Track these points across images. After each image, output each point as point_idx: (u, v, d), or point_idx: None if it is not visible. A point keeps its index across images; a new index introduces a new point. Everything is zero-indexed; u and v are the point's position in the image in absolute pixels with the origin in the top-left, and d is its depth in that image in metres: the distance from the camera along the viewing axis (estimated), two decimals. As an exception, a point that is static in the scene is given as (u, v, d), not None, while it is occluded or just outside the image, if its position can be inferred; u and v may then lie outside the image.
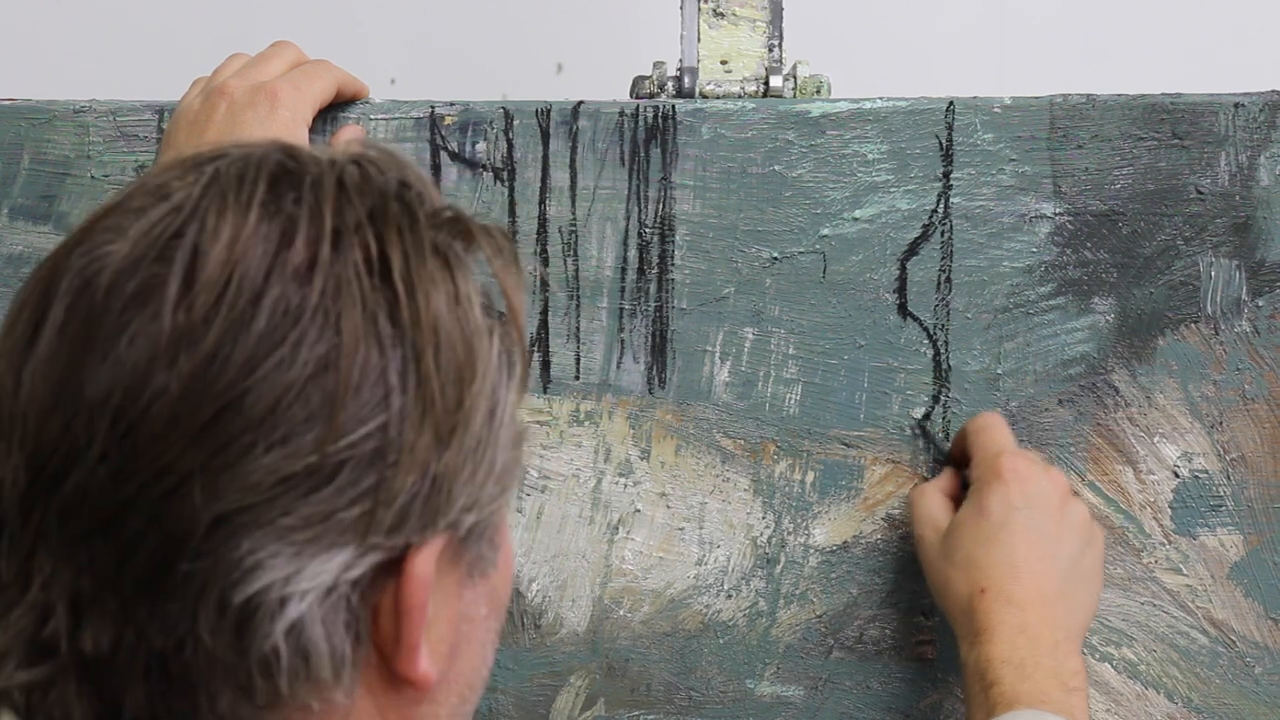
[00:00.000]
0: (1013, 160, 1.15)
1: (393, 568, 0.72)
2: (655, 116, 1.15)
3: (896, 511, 1.16)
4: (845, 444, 1.16)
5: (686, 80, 1.17)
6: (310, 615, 0.70)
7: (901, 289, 1.16)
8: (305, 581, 0.69)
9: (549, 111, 1.15)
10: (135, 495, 0.69)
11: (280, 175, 0.73)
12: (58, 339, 0.71)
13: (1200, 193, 1.15)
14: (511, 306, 0.76)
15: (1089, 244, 1.16)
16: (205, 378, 0.68)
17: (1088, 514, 1.09)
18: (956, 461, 1.15)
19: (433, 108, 1.15)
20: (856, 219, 1.15)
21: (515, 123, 1.15)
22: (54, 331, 0.71)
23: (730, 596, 1.17)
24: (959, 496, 1.12)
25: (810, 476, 1.17)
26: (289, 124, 1.08)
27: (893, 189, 1.15)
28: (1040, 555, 1.06)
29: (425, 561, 0.72)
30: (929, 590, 1.11)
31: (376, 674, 0.73)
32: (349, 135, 1.13)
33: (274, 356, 0.69)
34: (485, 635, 0.79)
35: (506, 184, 1.15)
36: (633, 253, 1.15)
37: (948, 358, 1.16)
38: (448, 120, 1.15)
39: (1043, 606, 1.04)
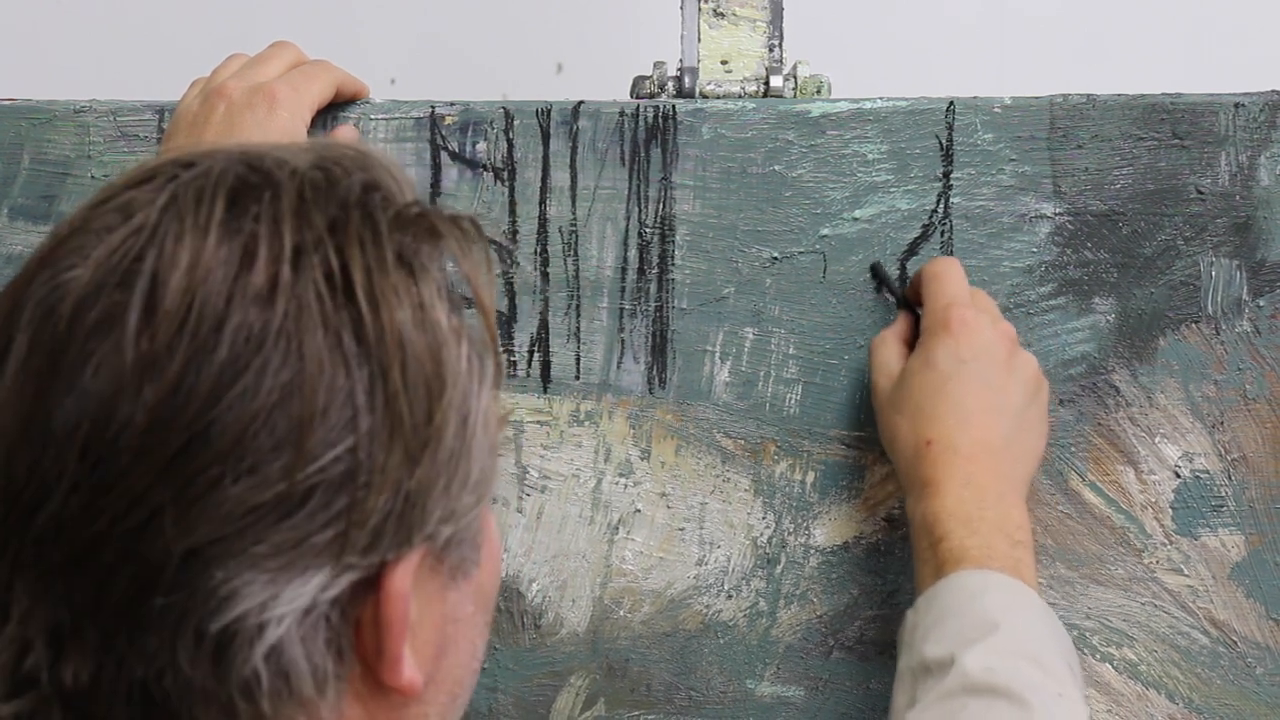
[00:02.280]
0: (1013, 160, 1.15)
1: (371, 583, 0.71)
2: (655, 116, 1.15)
3: (897, 512, 1.16)
4: (845, 444, 1.16)
5: (686, 80, 1.17)
6: (289, 637, 0.70)
7: (902, 289, 1.16)
8: (282, 606, 0.69)
9: (549, 111, 1.15)
10: (107, 528, 0.68)
11: (239, 191, 0.72)
12: (22, 370, 0.70)
13: (1200, 193, 1.15)
14: (481, 304, 0.75)
15: (1089, 244, 1.16)
16: (170, 409, 0.68)
17: (1036, 366, 1.09)
18: (913, 305, 1.14)
19: (433, 108, 1.15)
20: (856, 219, 1.15)
21: (515, 123, 1.15)
22: (18, 363, 0.70)
23: (730, 597, 1.17)
24: (913, 341, 1.12)
25: (811, 476, 1.16)
26: (287, 125, 1.08)
27: (893, 189, 1.15)
28: (987, 407, 1.06)
29: (402, 576, 0.72)
30: (880, 439, 1.11)
31: (362, 683, 0.73)
32: (343, 136, 1.13)
33: (238, 385, 0.68)
34: (472, 632, 0.79)
35: (506, 184, 1.15)
36: (633, 253, 1.15)
37: (948, 358, 1.16)
38: (448, 120, 1.15)
39: (988, 457, 1.05)
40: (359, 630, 0.72)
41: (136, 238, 0.71)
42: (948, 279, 1.10)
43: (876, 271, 1.15)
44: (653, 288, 1.16)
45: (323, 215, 0.72)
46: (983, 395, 1.06)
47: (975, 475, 1.04)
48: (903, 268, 1.16)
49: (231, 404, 0.68)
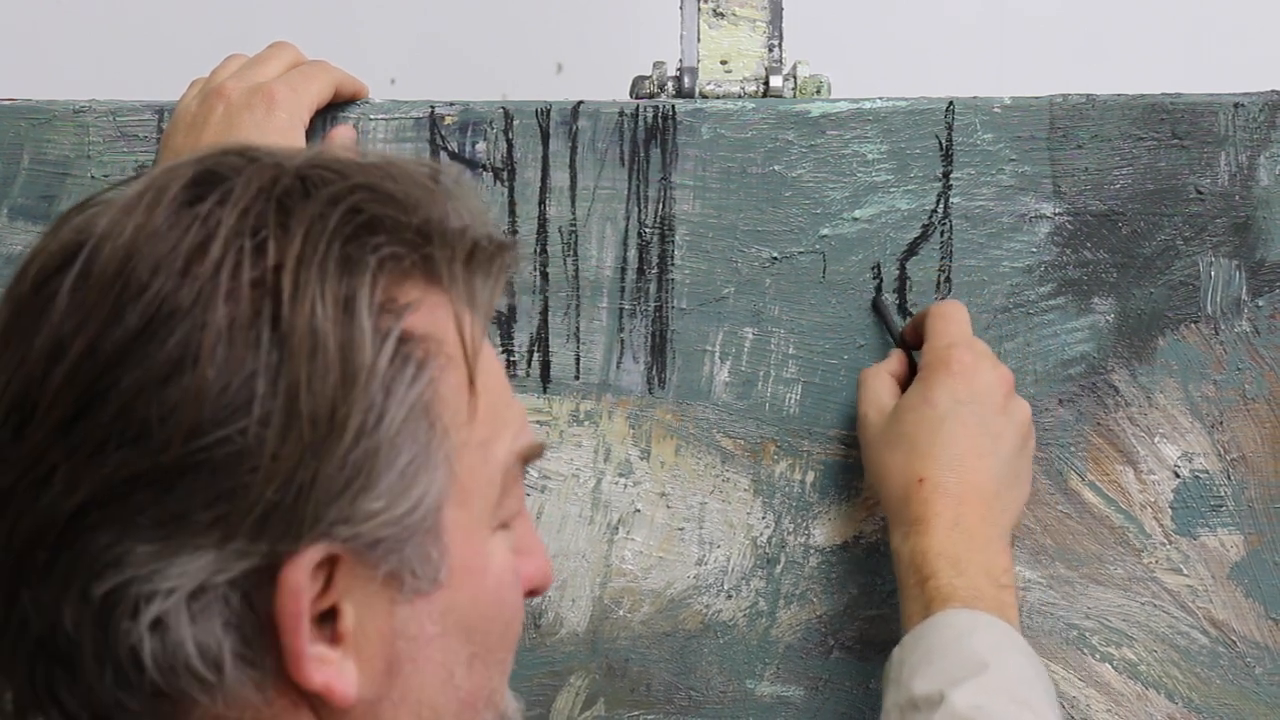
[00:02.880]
0: (1012, 160, 1.15)
1: (273, 574, 0.72)
2: (655, 116, 1.15)
3: (896, 511, 1.16)
4: (845, 444, 1.16)
5: (686, 80, 1.17)
6: (175, 612, 0.71)
7: (901, 289, 1.16)
8: (171, 580, 0.70)
9: (549, 111, 1.15)
10: (14, 483, 0.71)
11: (202, 178, 0.74)
12: (1, 335, 0.74)
13: (1200, 193, 1.15)
14: (459, 325, 0.75)
15: (1089, 244, 1.16)
16: (80, 370, 0.70)
17: (1028, 413, 1.09)
18: (908, 345, 1.14)
19: (433, 108, 1.15)
20: (856, 219, 1.15)
21: (515, 123, 1.15)
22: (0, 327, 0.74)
23: (730, 596, 1.17)
24: (906, 380, 1.12)
25: (810, 476, 1.16)
26: (286, 125, 1.08)
27: (892, 189, 1.15)
28: (981, 451, 1.06)
29: (297, 571, 0.71)
30: (866, 471, 1.11)
31: (290, 685, 0.74)
32: (341, 137, 1.13)
33: (139, 353, 0.70)
34: (444, 656, 0.77)
35: (506, 184, 1.15)
36: (633, 253, 1.15)
37: (948, 358, 1.16)
38: (448, 120, 1.15)
39: (978, 501, 1.05)
40: (273, 623, 0.72)
41: (105, 212, 0.73)
42: (953, 320, 1.11)
43: (878, 307, 1.15)
44: (652, 288, 1.16)
45: (275, 206, 0.73)
46: (977, 438, 1.06)
47: (964, 517, 1.04)
48: (902, 268, 1.16)
49: (129, 369, 0.70)
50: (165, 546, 0.70)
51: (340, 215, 0.73)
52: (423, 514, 0.74)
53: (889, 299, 1.15)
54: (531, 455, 0.80)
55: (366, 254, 0.73)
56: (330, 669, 0.73)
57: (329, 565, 0.73)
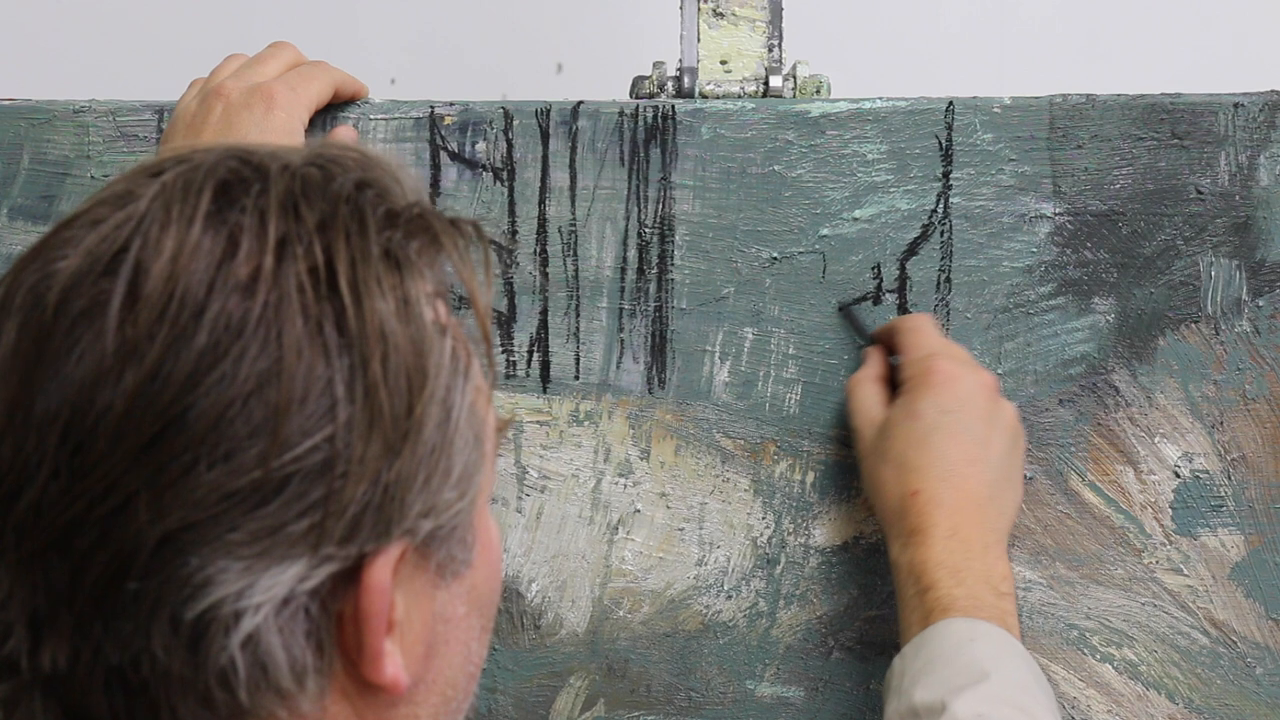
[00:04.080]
0: (1012, 160, 1.15)
1: (351, 576, 0.71)
2: (655, 116, 1.15)
3: (896, 512, 1.16)
4: (845, 444, 1.16)
5: (686, 80, 1.17)
6: (266, 627, 0.70)
7: (901, 289, 1.16)
8: (259, 595, 0.69)
9: (549, 111, 1.15)
10: (84, 513, 0.69)
11: (228, 184, 0.73)
12: (11, 358, 0.71)
13: (1200, 193, 1.15)
14: (475, 306, 0.76)
15: (1089, 244, 1.16)
16: (148, 395, 0.69)
17: (1015, 415, 1.10)
18: (881, 342, 1.14)
19: (433, 108, 1.15)
20: (856, 219, 1.15)
21: (515, 123, 1.15)
22: (7, 350, 0.71)
23: (730, 597, 1.17)
24: (890, 380, 1.12)
25: (810, 477, 1.16)
26: (285, 125, 1.08)
27: (892, 189, 1.15)
28: (971, 458, 1.06)
29: (382, 569, 0.71)
30: (863, 484, 1.12)
31: (347, 679, 0.73)
32: (341, 137, 1.13)
33: (215, 372, 0.69)
34: (466, 634, 0.78)
35: (506, 184, 1.15)
36: (632, 253, 1.15)
37: (948, 358, 1.16)
38: (448, 120, 1.15)
39: (973, 509, 1.05)
40: (340, 625, 0.72)
41: (124, 228, 0.71)
42: (924, 332, 1.12)
43: (846, 314, 1.15)
44: (652, 288, 1.16)
45: (311, 209, 0.72)
46: (966, 446, 1.07)
47: (960, 527, 1.05)
48: (902, 268, 1.16)
49: (208, 390, 0.69)
50: (258, 562, 0.69)
51: (368, 209, 0.73)
52: (470, 499, 0.75)
53: (859, 307, 1.15)
54: (505, 426, 0.81)
55: (406, 247, 0.73)
56: (393, 660, 0.73)
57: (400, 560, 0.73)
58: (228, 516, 0.69)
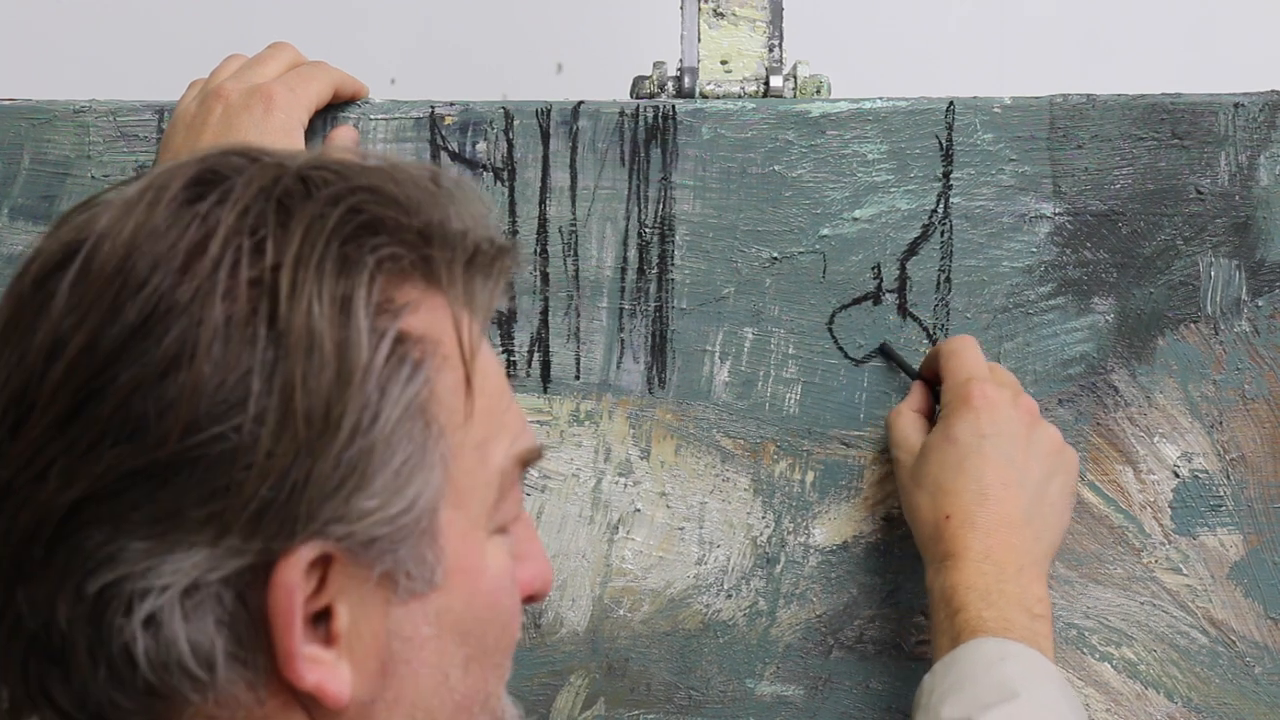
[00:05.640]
0: (1013, 160, 1.15)
1: (266, 572, 0.72)
2: (655, 116, 1.15)
3: (897, 511, 1.16)
4: (845, 444, 1.16)
5: (686, 80, 1.17)
6: (169, 609, 0.71)
7: (901, 289, 1.16)
8: (165, 577, 0.70)
9: (549, 111, 1.15)
10: (10, 479, 0.71)
11: (204, 177, 0.74)
12: (3, 329, 0.74)
13: (1200, 193, 1.15)
14: (457, 329, 0.75)
15: (1089, 244, 1.16)
16: (78, 366, 0.71)
17: (1058, 439, 1.09)
18: (927, 379, 1.14)
19: (433, 108, 1.15)
20: (856, 219, 1.16)
21: (515, 123, 1.15)
22: (3, 321, 0.74)
23: (730, 596, 1.17)
24: (932, 412, 1.12)
25: (810, 476, 1.17)
26: (284, 126, 1.08)
27: (893, 189, 1.15)
28: (1007, 482, 1.06)
29: (290, 569, 0.71)
30: (902, 511, 1.12)
31: (284, 685, 0.73)
32: (342, 137, 1.13)
33: (136, 349, 0.70)
34: (439, 659, 0.77)
35: (506, 184, 1.15)
36: (633, 253, 1.15)
37: (948, 358, 1.16)
38: (448, 120, 1.15)
39: (1008, 533, 1.05)
40: (266, 622, 0.72)
41: (106, 211, 0.74)
42: (965, 355, 1.11)
43: (886, 351, 1.15)
44: (652, 288, 1.16)
45: (275, 206, 0.73)
46: (1002, 470, 1.06)
47: (994, 550, 1.04)
48: (902, 268, 1.16)
49: (127, 365, 0.70)
50: (159, 543, 0.70)
51: (340, 215, 0.73)
52: (417, 514, 0.74)
53: (893, 320, 1.15)
54: (530, 459, 0.80)
55: (365, 254, 0.73)
56: (324, 669, 0.73)
57: (323, 565, 0.73)
58: (129, 494, 0.70)
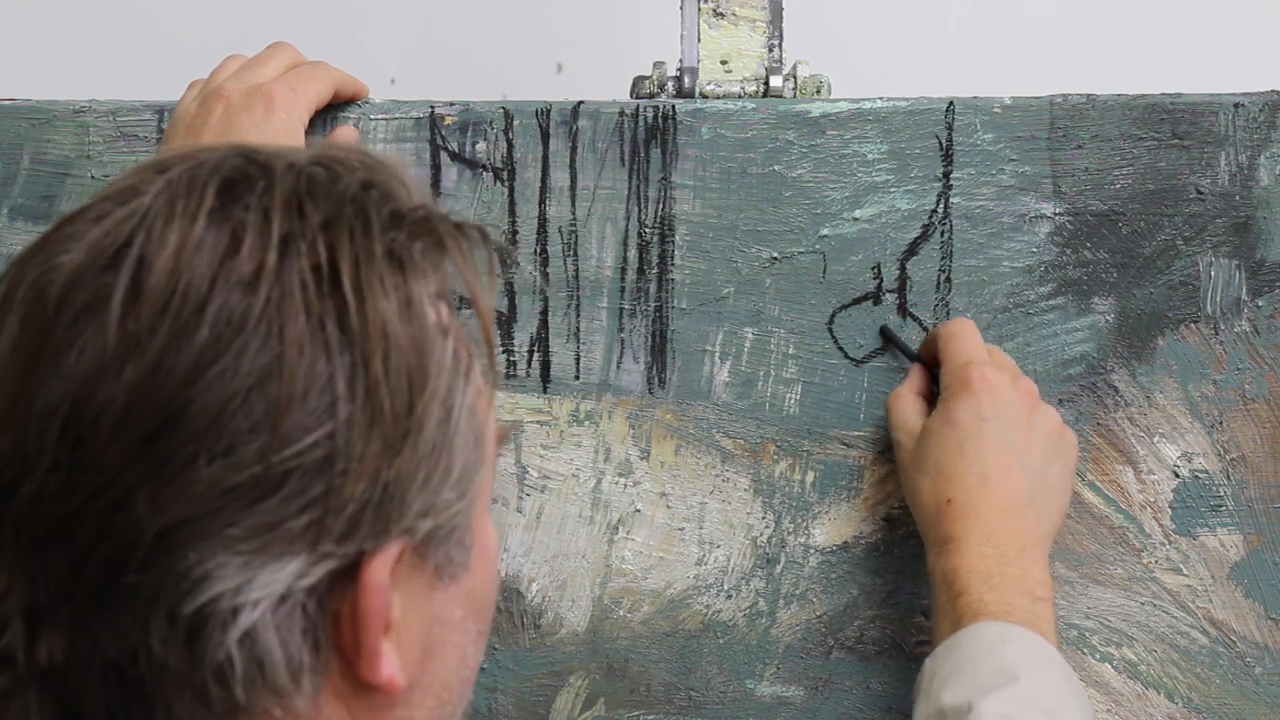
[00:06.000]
0: (1013, 160, 1.15)
1: (349, 574, 0.71)
2: (655, 116, 1.15)
3: (897, 511, 1.16)
4: (845, 444, 1.16)
5: (686, 80, 1.17)
6: (263, 623, 0.70)
7: (901, 289, 1.16)
8: (257, 591, 0.69)
9: (549, 111, 1.15)
10: (83, 506, 0.69)
11: (233, 181, 0.73)
12: (12, 352, 0.71)
13: (1200, 193, 1.15)
14: (478, 308, 0.76)
15: (1089, 244, 1.16)
16: (149, 389, 0.69)
17: (1057, 421, 1.10)
18: (926, 361, 1.14)
19: (433, 108, 1.15)
20: (856, 219, 1.16)
21: (515, 123, 1.15)
22: (9, 344, 0.71)
23: (730, 596, 1.17)
24: (932, 395, 1.12)
25: (810, 476, 1.17)
26: (284, 126, 1.08)
27: (893, 189, 1.15)
28: (1008, 465, 1.06)
29: (380, 568, 0.71)
30: (904, 495, 1.12)
31: (342, 679, 0.73)
32: (342, 137, 1.13)
33: (217, 366, 0.69)
34: (463, 638, 0.78)
35: (506, 184, 1.15)
36: (633, 253, 1.15)
37: (948, 358, 1.16)
38: (448, 120, 1.15)
39: (1010, 516, 1.05)
40: (337, 624, 0.72)
41: (127, 223, 0.72)
42: (964, 338, 1.11)
43: (886, 333, 1.15)
44: (652, 288, 1.16)
45: (315, 208, 0.72)
46: (1003, 454, 1.06)
47: (996, 533, 1.04)
48: (902, 268, 1.16)
49: (209, 385, 0.69)
50: (256, 557, 0.69)
51: (373, 209, 0.73)
52: (469, 501, 0.75)
53: (893, 320, 1.15)
54: (506, 434, 0.81)
55: (410, 248, 0.73)
56: (389, 661, 0.73)
57: (396, 560, 0.73)
58: (227, 511, 0.69)
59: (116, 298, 0.70)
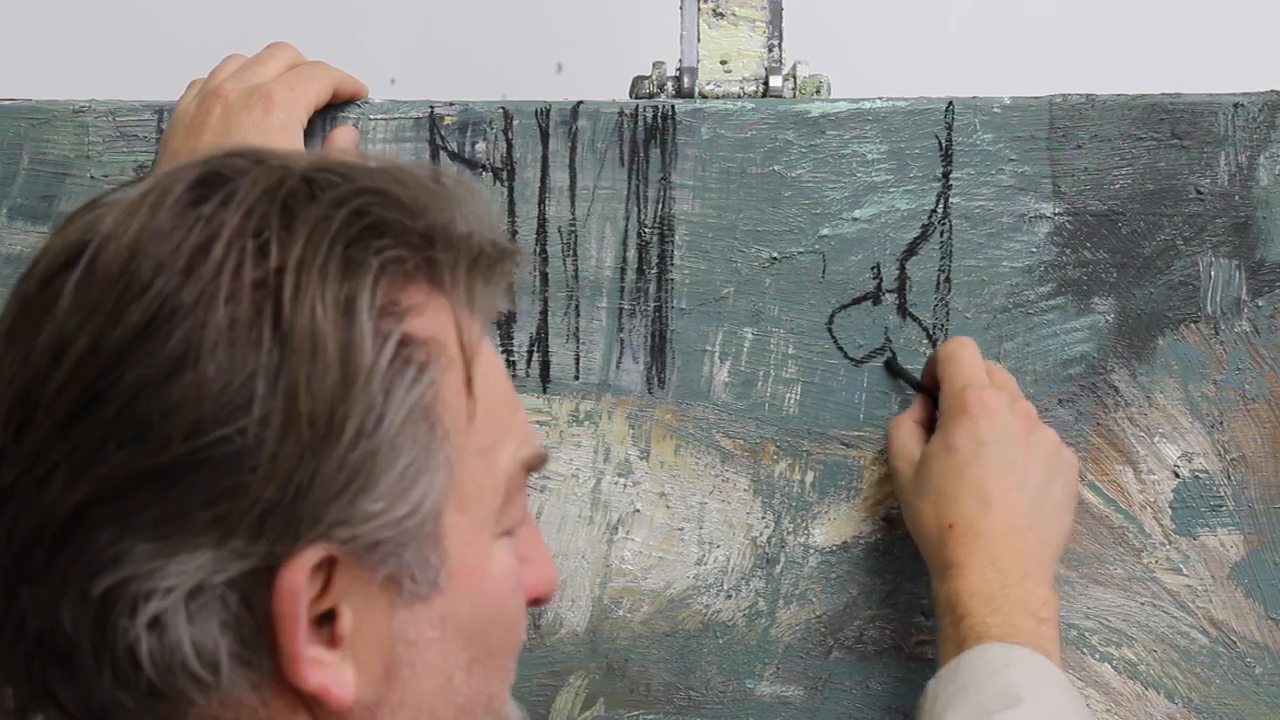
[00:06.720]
0: (1012, 160, 1.15)
1: (271, 575, 0.72)
2: (655, 116, 1.15)
3: (896, 511, 1.16)
4: (845, 444, 1.16)
5: (686, 80, 1.17)
6: (174, 611, 0.71)
7: (901, 289, 1.16)
8: (170, 579, 0.71)
9: (549, 111, 1.15)
10: (15, 480, 0.71)
11: (205, 180, 0.74)
12: (6, 335, 0.74)
13: (1200, 193, 1.15)
14: (460, 337, 0.76)
15: (1088, 244, 1.16)
16: (82, 369, 0.71)
17: (1056, 442, 1.09)
18: (930, 390, 1.14)
19: (432, 108, 1.15)
20: (856, 219, 1.15)
21: (515, 123, 1.15)
22: (5, 326, 0.75)
23: (730, 596, 1.17)
24: (932, 421, 1.12)
25: (810, 476, 1.16)
26: (284, 126, 1.08)
27: (892, 189, 1.15)
28: (1008, 488, 1.06)
29: (295, 572, 0.71)
30: (904, 521, 1.11)
31: (288, 687, 0.74)
32: (342, 138, 1.13)
33: (140, 350, 0.70)
34: (443, 662, 0.77)
35: (506, 184, 1.15)
36: (632, 253, 1.15)
37: (947, 358, 1.16)
38: (447, 120, 1.15)
39: (1011, 539, 1.05)
40: (271, 624, 0.72)
41: (109, 213, 0.74)
42: (962, 360, 1.11)
43: (891, 366, 1.15)
44: (652, 288, 1.16)
45: (279, 208, 0.73)
46: (1003, 476, 1.06)
47: (998, 556, 1.04)
48: (902, 268, 1.16)
49: (130, 368, 0.70)
50: (164, 545, 0.70)
51: (344, 218, 0.73)
52: (422, 517, 0.74)
53: (893, 320, 1.15)
54: (535, 464, 0.80)
55: (369, 256, 0.73)
56: (327, 671, 0.73)
57: (328, 567, 0.73)
58: (135, 496, 0.70)
59: (73, 280, 0.72)
